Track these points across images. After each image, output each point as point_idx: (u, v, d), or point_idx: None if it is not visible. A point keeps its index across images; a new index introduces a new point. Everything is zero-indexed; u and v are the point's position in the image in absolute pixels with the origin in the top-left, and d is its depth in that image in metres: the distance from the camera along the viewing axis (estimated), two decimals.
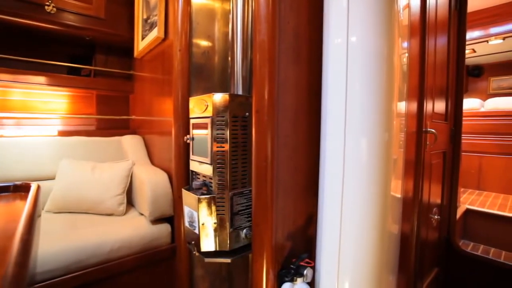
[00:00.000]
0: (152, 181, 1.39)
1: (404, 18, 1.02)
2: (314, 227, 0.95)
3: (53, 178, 1.61)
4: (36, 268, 1.00)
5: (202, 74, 1.32)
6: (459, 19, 1.80)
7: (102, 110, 2.20)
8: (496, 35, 3.14)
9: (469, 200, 2.69)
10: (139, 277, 1.33)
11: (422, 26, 1.24)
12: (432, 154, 1.49)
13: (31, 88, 1.93)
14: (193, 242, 1.07)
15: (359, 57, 0.81)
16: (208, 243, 1.01)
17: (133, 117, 2.22)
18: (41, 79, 1.85)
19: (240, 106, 1.00)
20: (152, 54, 1.73)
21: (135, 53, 1.91)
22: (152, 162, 1.80)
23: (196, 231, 1.02)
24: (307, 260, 0.88)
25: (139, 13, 1.82)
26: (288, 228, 0.89)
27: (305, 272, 0.84)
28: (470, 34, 3.29)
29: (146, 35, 1.69)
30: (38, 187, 0.91)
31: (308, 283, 0.86)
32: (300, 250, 0.94)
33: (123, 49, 2.19)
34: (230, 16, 1.20)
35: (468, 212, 2.41)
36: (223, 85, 1.35)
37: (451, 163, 1.81)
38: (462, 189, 3.01)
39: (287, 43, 0.85)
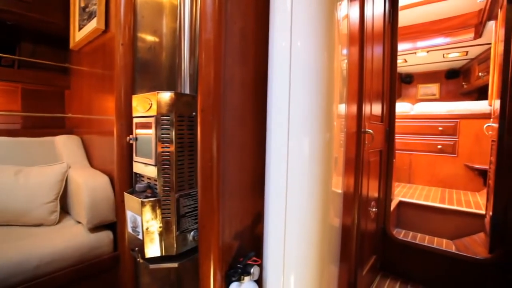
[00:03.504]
0: (90, 185, 1.27)
1: (343, 27, 1.10)
2: (262, 225, 0.97)
3: None
4: None
5: (148, 71, 1.25)
6: (392, 31, 2.02)
7: (29, 106, 1.92)
8: (422, 48, 3.62)
9: (402, 193, 3.05)
10: None
11: (361, 36, 1.35)
12: (370, 153, 1.64)
13: None
14: (136, 249, 1.00)
15: (301, 61, 0.85)
16: (153, 249, 0.96)
17: (70, 115, 1.99)
18: None
19: (187, 106, 0.97)
20: (92, 46, 1.57)
21: (71, 44, 1.72)
22: (92, 165, 1.64)
23: (140, 236, 0.96)
24: (254, 258, 0.89)
25: (76, 0, 1.64)
26: (236, 228, 0.89)
27: (252, 270, 0.85)
28: (402, 46, 3.74)
29: (84, 25, 1.53)
30: None
31: (256, 281, 0.88)
32: (248, 249, 0.95)
33: (57, 38, 1.93)
34: (178, 12, 1.16)
35: (400, 203, 2.72)
36: (172, 84, 1.29)
37: (386, 160, 2.02)
38: (396, 183, 3.40)
39: (233, 42, 0.85)
